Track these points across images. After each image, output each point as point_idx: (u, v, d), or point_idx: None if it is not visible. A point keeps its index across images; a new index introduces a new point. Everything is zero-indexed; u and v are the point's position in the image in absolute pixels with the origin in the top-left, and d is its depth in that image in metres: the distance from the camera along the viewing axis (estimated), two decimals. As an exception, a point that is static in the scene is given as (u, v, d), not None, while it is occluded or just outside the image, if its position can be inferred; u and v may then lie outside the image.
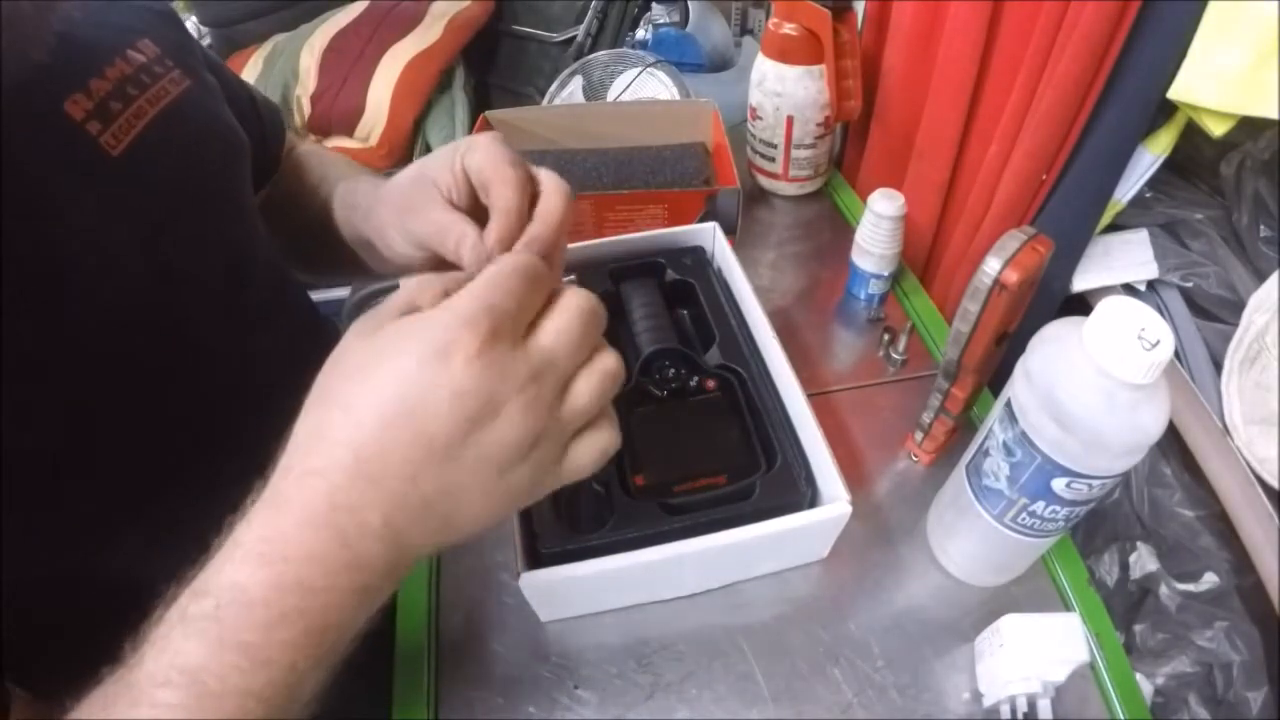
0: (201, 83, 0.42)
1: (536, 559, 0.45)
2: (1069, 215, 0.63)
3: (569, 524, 0.47)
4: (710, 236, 0.66)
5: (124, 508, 0.35)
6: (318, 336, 0.52)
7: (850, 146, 0.96)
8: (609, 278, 0.63)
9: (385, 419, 0.26)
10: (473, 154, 0.36)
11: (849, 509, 0.46)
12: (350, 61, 1.71)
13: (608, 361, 0.29)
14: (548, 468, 0.29)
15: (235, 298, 0.42)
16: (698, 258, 0.65)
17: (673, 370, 0.55)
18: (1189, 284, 0.60)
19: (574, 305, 0.28)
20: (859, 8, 0.83)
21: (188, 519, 0.34)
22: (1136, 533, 0.65)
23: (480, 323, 0.25)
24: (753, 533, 0.45)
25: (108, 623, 0.30)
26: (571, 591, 0.48)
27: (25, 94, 0.31)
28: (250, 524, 0.26)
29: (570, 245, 0.63)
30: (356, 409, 0.26)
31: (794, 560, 0.53)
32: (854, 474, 0.59)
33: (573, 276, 0.60)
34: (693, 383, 0.54)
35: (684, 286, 0.63)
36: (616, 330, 0.61)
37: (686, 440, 0.51)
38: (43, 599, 0.32)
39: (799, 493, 0.48)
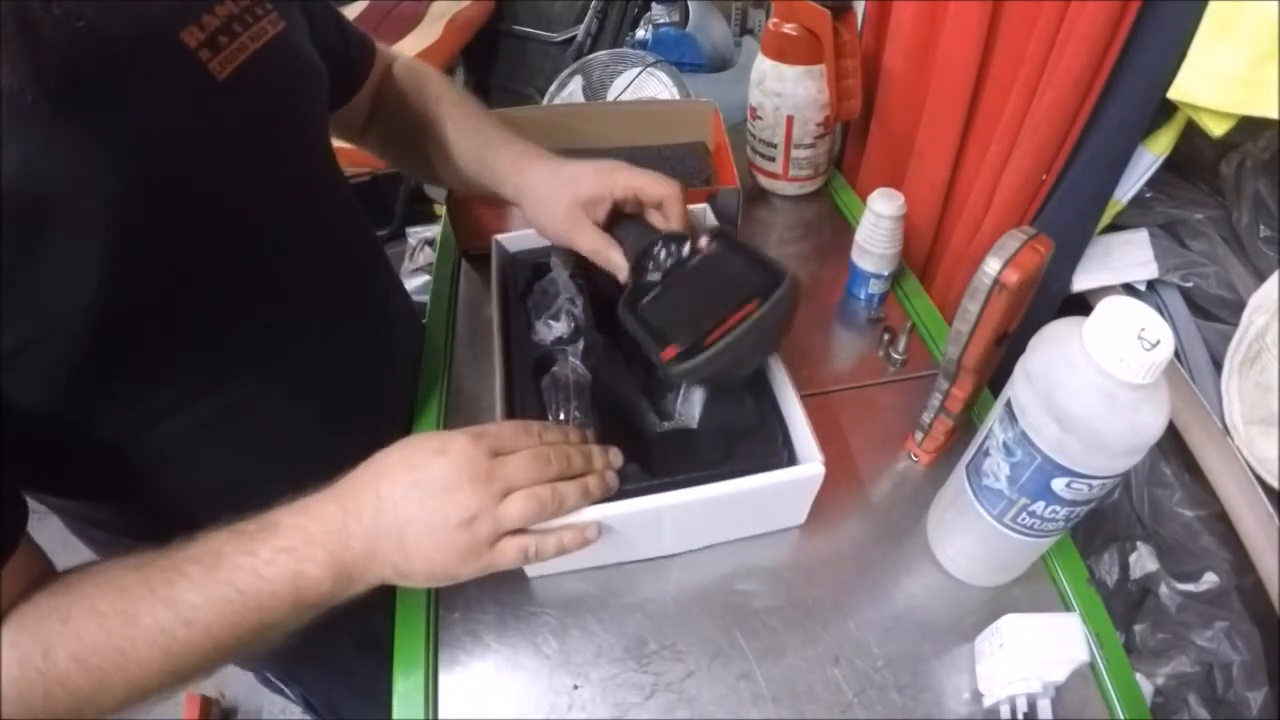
0: (293, 22, 0.49)
1: None
2: (1069, 215, 0.63)
3: None
4: (703, 217, 0.68)
5: (191, 382, 0.44)
6: (366, 242, 0.62)
7: (850, 146, 0.96)
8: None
9: (395, 465, 0.42)
10: (633, 179, 0.56)
11: (822, 469, 0.48)
12: (350, 61, 1.70)
13: (543, 494, 0.42)
14: (480, 544, 0.41)
15: (304, 203, 0.50)
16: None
17: (664, 251, 0.55)
18: (1189, 284, 0.60)
19: (539, 453, 0.43)
20: (859, 8, 0.83)
21: (244, 407, 0.47)
22: (1136, 533, 0.65)
23: (473, 435, 0.42)
24: (728, 488, 0.47)
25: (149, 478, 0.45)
26: None
27: (148, 23, 0.38)
28: (306, 497, 0.41)
29: None
30: (384, 466, 0.42)
31: (772, 524, 0.54)
32: (854, 474, 0.59)
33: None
34: (685, 252, 0.54)
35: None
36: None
37: (698, 298, 0.51)
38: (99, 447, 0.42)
39: (776, 454, 0.50)
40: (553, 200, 0.58)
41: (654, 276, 0.54)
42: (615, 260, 0.56)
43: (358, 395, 0.55)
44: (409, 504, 0.40)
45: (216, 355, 0.45)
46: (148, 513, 0.44)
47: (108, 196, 0.35)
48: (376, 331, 0.60)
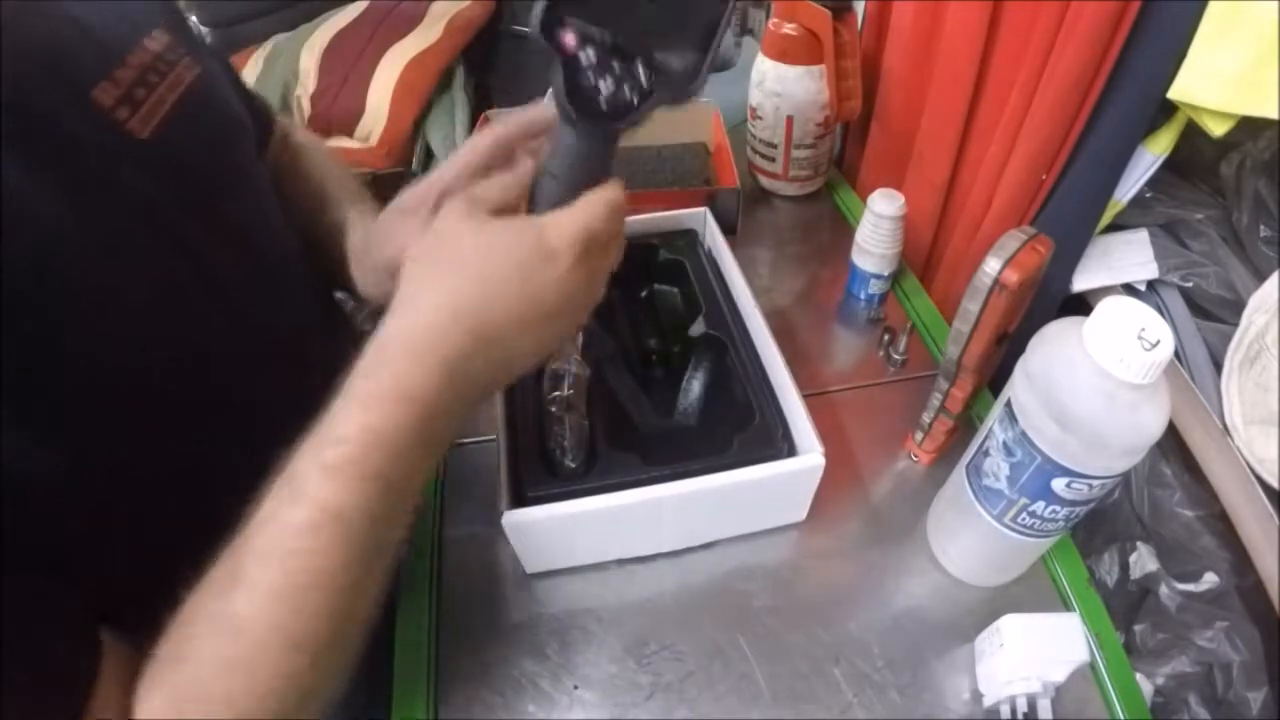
0: (209, 67, 0.44)
1: (521, 502, 0.47)
2: (1069, 215, 0.63)
3: (553, 468, 0.49)
4: (702, 221, 0.68)
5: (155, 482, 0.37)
6: (322, 301, 0.55)
7: (850, 146, 0.96)
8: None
9: (498, 291, 0.34)
10: (484, 135, 0.47)
11: (822, 460, 0.48)
12: (350, 61, 1.70)
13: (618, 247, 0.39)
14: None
15: (251, 265, 0.44)
16: (690, 240, 0.67)
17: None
18: (1189, 284, 0.60)
19: (619, 228, 0.38)
20: (859, 8, 0.83)
21: (206, 468, 0.39)
22: (1136, 533, 0.65)
23: (579, 243, 0.35)
24: (728, 479, 0.47)
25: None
26: (553, 535, 0.49)
27: (54, 83, 0.34)
28: (372, 377, 0.32)
29: None
30: (473, 281, 0.34)
31: (773, 520, 0.54)
32: (854, 474, 0.59)
33: None
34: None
35: (676, 265, 0.65)
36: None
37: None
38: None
39: (775, 447, 0.50)
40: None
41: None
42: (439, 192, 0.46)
43: None
44: (522, 340, 0.35)
45: (194, 448, 0.39)
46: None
47: (59, 272, 0.31)
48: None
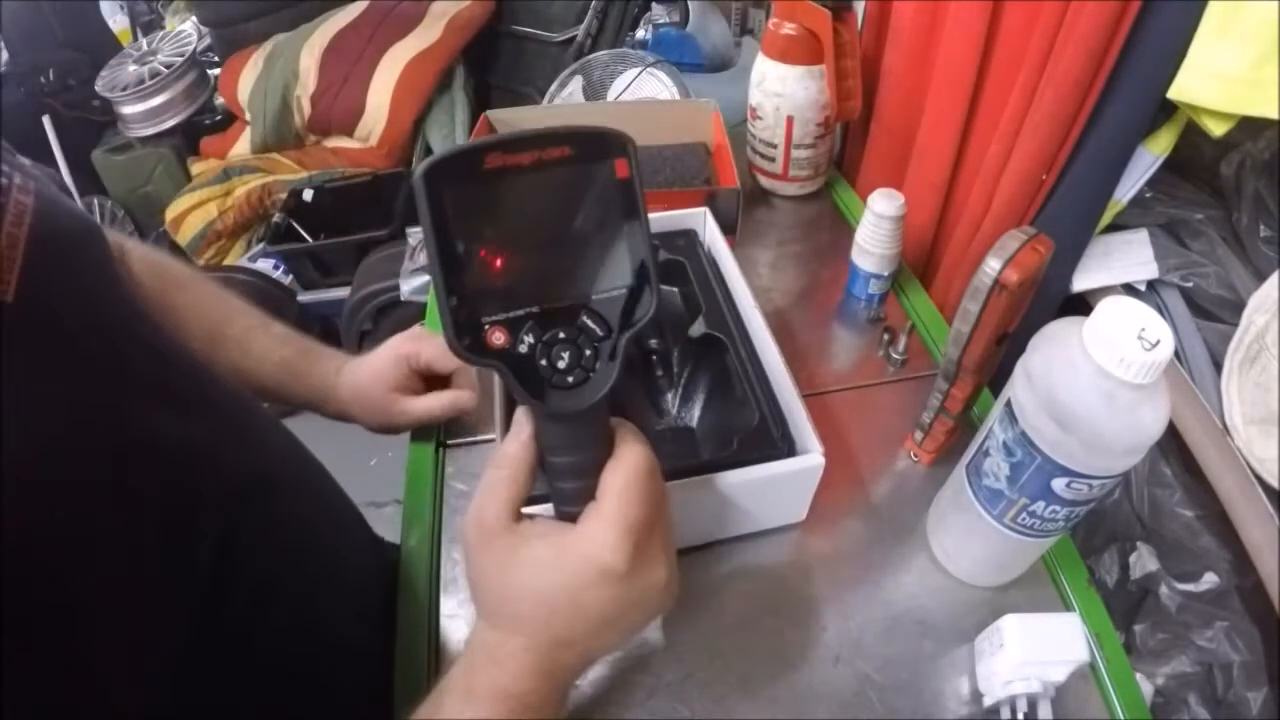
0: (38, 178, 0.35)
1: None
2: (1069, 215, 0.63)
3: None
4: (702, 221, 0.69)
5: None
6: (239, 400, 0.47)
7: (850, 146, 0.96)
8: None
9: (559, 614, 0.33)
10: (423, 355, 0.58)
11: (821, 460, 0.48)
12: (350, 61, 1.71)
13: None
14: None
15: (158, 387, 0.38)
16: (690, 239, 0.67)
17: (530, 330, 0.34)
18: (1189, 284, 0.60)
19: (660, 491, 0.34)
20: (859, 8, 0.83)
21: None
22: (1136, 533, 0.65)
23: (628, 552, 0.32)
24: (728, 479, 0.47)
25: None
26: None
27: None
28: (474, 672, 0.34)
29: None
30: (531, 621, 0.33)
31: (773, 520, 0.54)
32: (854, 474, 0.59)
33: None
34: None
35: (676, 265, 0.65)
36: None
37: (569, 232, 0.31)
38: None
39: (775, 447, 0.50)
40: (368, 389, 0.58)
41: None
42: (461, 399, 0.58)
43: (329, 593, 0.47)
44: (602, 643, 0.35)
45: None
46: None
47: None
48: (325, 520, 0.51)
